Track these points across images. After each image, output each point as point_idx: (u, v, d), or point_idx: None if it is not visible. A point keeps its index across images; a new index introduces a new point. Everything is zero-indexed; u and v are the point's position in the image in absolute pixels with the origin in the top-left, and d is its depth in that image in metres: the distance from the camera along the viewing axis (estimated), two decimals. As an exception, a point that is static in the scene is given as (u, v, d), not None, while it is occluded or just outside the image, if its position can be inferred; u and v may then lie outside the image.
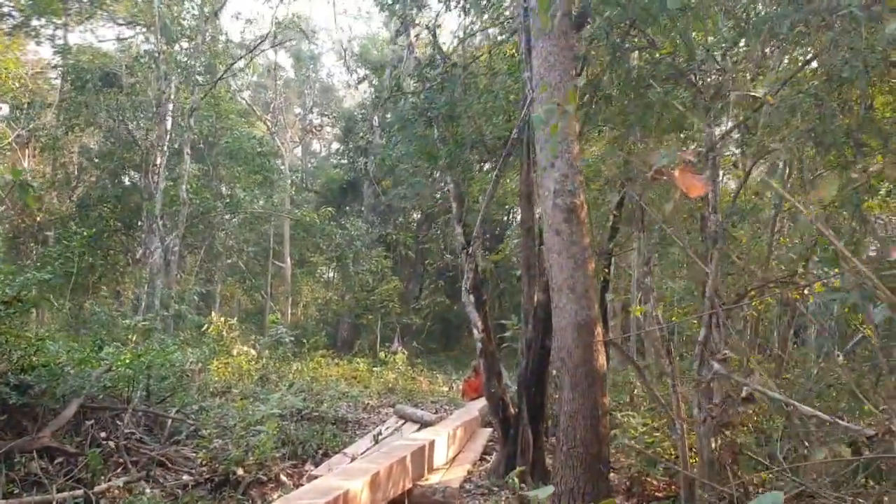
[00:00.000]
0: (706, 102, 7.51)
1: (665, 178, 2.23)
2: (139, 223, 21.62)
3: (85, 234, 10.46)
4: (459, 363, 25.83)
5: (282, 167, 27.32)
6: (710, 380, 7.30)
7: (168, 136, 20.41)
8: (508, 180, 12.17)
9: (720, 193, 7.85)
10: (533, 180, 8.77)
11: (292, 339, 16.09)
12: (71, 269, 11.13)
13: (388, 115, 28.97)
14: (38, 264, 7.89)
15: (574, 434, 5.30)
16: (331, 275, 33.84)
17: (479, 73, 9.01)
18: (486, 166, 11.64)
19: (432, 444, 8.01)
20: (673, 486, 7.27)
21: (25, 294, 7.43)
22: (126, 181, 24.08)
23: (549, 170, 5.41)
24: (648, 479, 7.71)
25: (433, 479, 7.67)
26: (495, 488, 7.75)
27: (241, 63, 22.48)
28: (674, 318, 8.80)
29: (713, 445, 6.99)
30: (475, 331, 8.56)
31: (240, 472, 7.30)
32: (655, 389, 7.35)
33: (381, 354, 19.07)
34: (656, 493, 7.56)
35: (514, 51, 9.92)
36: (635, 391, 9.86)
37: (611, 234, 9.98)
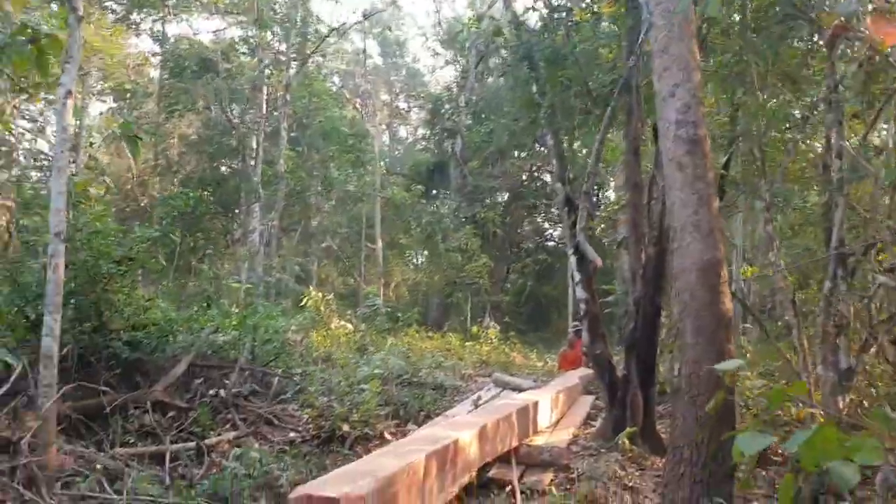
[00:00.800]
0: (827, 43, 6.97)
1: (850, 31, 1.93)
2: (237, 210, 22.23)
3: (191, 194, 10.75)
4: (550, 344, 25.48)
5: (372, 148, 27.57)
6: (838, 333, 6.82)
7: (264, 120, 20.86)
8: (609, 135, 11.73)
9: (845, 138, 7.29)
10: (640, 132, 8.40)
11: (389, 309, 16.19)
12: (175, 235, 11.47)
13: (475, 97, 28.84)
14: (145, 230, 8.09)
15: (697, 381, 4.96)
16: (419, 259, 34.05)
17: (584, 17, 8.63)
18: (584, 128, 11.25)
19: (536, 404, 7.79)
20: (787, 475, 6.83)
21: (136, 252, 7.62)
22: (224, 167, 24.80)
23: (670, 99, 5.08)
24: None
25: (538, 440, 7.47)
26: (603, 450, 7.48)
27: (331, 39, 22.70)
28: (790, 279, 8.27)
29: (840, 404, 6.51)
30: (579, 290, 8.28)
31: (345, 428, 7.29)
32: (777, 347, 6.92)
33: (473, 329, 18.96)
34: (772, 457, 7.12)
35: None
36: (748, 355, 9.36)
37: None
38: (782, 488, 1.99)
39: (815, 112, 9.81)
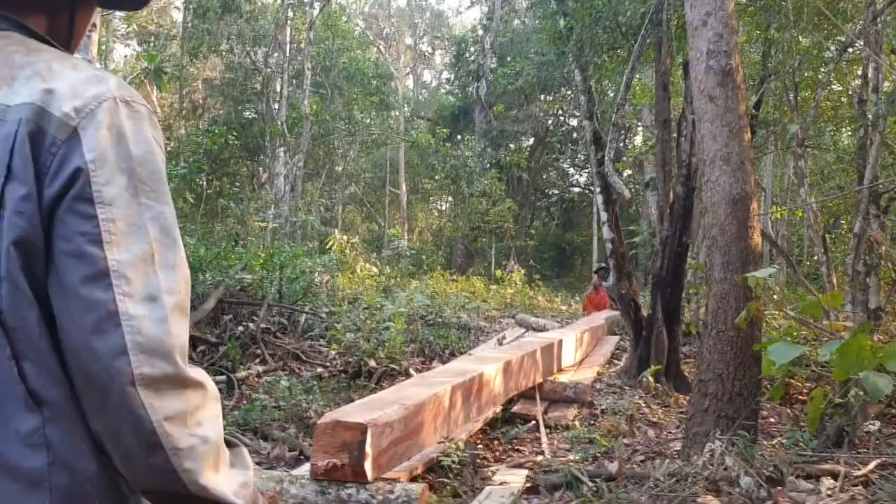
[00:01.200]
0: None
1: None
2: (261, 156, 22.21)
3: (217, 131, 10.75)
4: (574, 289, 25.51)
5: (397, 91, 27.32)
6: (868, 273, 6.75)
7: (287, 62, 20.68)
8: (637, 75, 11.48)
9: (882, 73, 7.09)
10: (670, 68, 8.22)
11: (413, 251, 16.25)
12: (203, 167, 11.53)
13: (501, 40, 28.33)
14: (172, 167, 8.12)
15: (724, 317, 4.94)
16: (443, 205, 33.99)
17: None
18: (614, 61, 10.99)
19: (560, 343, 7.84)
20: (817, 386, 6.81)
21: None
22: (248, 111, 24.74)
23: (701, 29, 4.94)
24: (793, 381, 7.27)
25: (562, 378, 7.53)
26: (627, 388, 7.53)
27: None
28: (821, 218, 8.15)
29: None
30: (606, 230, 8.22)
31: (371, 363, 7.40)
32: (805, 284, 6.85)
33: (498, 272, 19.00)
34: (799, 396, 7.13)
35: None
36: (775, 296, 9.29)
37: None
38: (812, 403, 1.98)
39: (851, 50, 9.53)
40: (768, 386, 7.16)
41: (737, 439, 3.87)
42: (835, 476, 4.24)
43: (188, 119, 24.16)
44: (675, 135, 7.98)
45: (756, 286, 2.91)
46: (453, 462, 4.60)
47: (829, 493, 3.48)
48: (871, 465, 4.21)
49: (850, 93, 9.74)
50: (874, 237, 6.05)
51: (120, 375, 0.86)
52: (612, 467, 4.68)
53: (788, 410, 6.47)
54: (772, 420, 6.22)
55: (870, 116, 6.77)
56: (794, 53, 8.79)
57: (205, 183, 18.37)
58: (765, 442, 5.10)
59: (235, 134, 21.81)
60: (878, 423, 4.99)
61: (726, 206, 4.95)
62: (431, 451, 4.60)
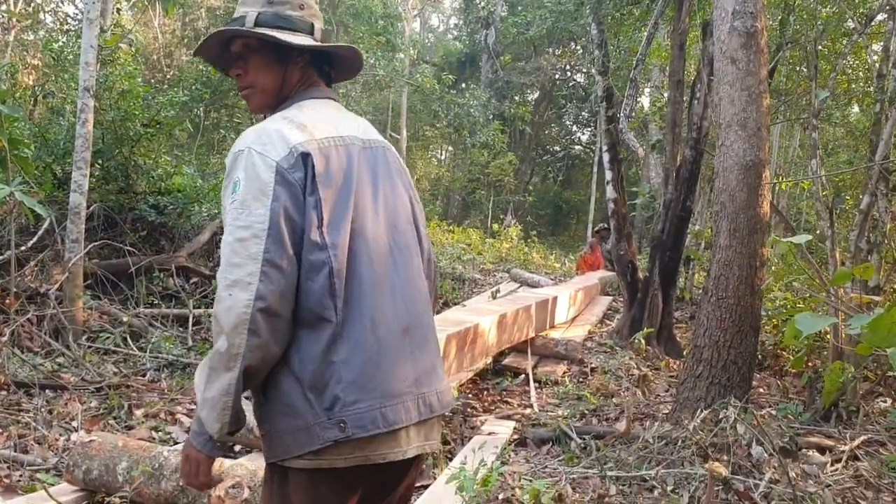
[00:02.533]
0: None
1: None
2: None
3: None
4: (567, 248, 25.51)
5: (403, 32, 26.75)
6: (870, 251, 6.68)
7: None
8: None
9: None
10: (688, 28, 8.03)
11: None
12: (205, 95, 11.28)
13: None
14: (174, 93, 7.92)
15: (726, 284, 4.89)
16: (443, 155, 33.68)
17: None
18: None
19: (555, 300, 7.82)
20: (810, 363, 6.83)
21: (163, 117, 7.51)
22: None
23: (730, -13, 4.79)
24: (784, 354, 7.29)
25: (554, 334, 7.52)
26: (618, 348, 7.53)
27: None
28: (829, 190, 8.06)
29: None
30: (609, 189, 8.12)
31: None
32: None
33: (495, 226, 18.91)
34: (791, 370, 7.15)
35: None
36: (773, 268, 9.25)
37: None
38: (829, 376, 1.94)
39: (872, 24, 9.32)
40: (761, 357, 7.20)
41: (735, 407, 3.85)
42: (821, 450, 4.26)
43: (190, 47, 23.66)
44: (686, 97, 7.83)
45: (788, 252, 2.83)
46: (445, 410, 4.57)
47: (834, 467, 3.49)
48: (858, 442, 4.23)
49: (867, 67, 9.56)
50: (894, 213, 5.96)
51: None
52: (620, 426, 4.67)
53: (778, 382, 6.49)
54: (762, 390, 6.24)
55: (888, 92, 6.63)
56: (814, 22, 8.60)
57: (202, 114, 18.07)
58: (755, 412, 5.11)
59: (237, 66, 21.34)
60: (889, 401, 5.00)
61: (738, 171, 4.86)
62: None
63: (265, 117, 1.70)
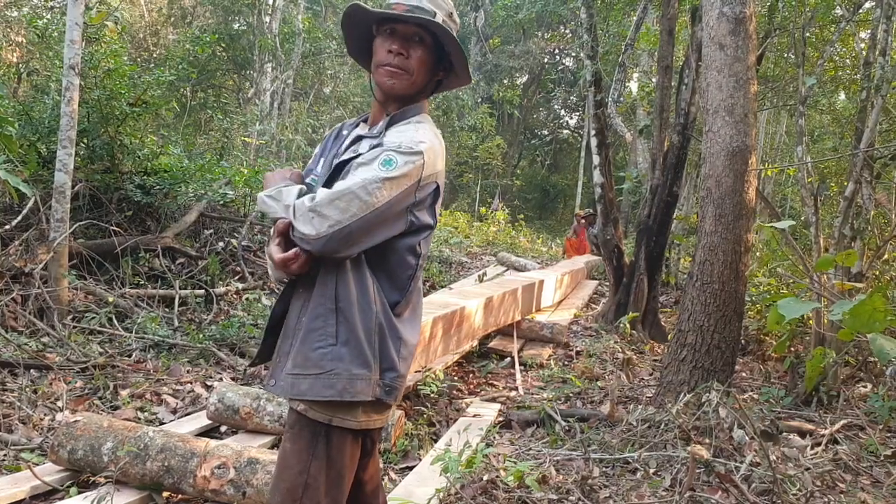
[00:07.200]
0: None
1: None
2: (249, 71, 21.57)
3: (207, 38, 10.34)
4: (554, 231, 25.57)
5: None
6: (853, 237, 6.75)
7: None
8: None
9: (892, 35, 6.95)
10: (678, 13, 8.02)
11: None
12: (192, 75, 11.18)
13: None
14: (160, 72, 7.82)
15: (711, 269, 4.93)
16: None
17: None
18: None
19: (541, 283, 7.86)
20: (792, 348, 6.91)
21: (150, 96, 7.43)
22: (238, 22, 23.96)
23: (720, -28, 4.78)
24: (767, 339, 7.37)
25: (540, 318, 7.56)
26: (603, 332, 7.58)
27: None
28: (815, 177, 8.12)
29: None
30: (596, 174, 8.13)
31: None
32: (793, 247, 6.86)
33: (482, 209, 18.91)
34: (773, 355, 7.23)
35: None
36: (758, 253, 9.34)
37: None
38: (811, 362, 1.96)
39: (860, 11, 9.35)
40: (744, 341, 7.27)
41: (718, 391, 3.89)
42: (802, 434, 4.32)
43: (177, 26, 23.38)
44: (674, 83, 7.84)
45: (772, 238, 2.86)
46: (432, 392, 4.61)
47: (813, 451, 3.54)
48: (838, 426, 4.30)
49: (854, 55, 9.60)
50: (878, 200, 6.02)
51: None
52: (604, 408, 4.72)
53: (761, 366, 6.56)
54: (744, 375, 6.31)
55: (874, 80, 6.67)
56: (803, 9, 8.61)
57: (189, 94, 17.93)
58: (737, 396, 5.17)
59: (224, 45, 21.16)
60: (869, 386, 5.07)
61: (725, 157, 4.88)
62: (409, 379, 4.60)
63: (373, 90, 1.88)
